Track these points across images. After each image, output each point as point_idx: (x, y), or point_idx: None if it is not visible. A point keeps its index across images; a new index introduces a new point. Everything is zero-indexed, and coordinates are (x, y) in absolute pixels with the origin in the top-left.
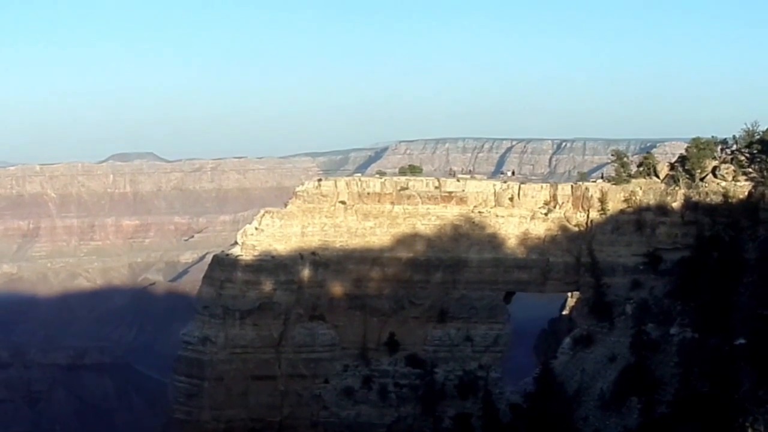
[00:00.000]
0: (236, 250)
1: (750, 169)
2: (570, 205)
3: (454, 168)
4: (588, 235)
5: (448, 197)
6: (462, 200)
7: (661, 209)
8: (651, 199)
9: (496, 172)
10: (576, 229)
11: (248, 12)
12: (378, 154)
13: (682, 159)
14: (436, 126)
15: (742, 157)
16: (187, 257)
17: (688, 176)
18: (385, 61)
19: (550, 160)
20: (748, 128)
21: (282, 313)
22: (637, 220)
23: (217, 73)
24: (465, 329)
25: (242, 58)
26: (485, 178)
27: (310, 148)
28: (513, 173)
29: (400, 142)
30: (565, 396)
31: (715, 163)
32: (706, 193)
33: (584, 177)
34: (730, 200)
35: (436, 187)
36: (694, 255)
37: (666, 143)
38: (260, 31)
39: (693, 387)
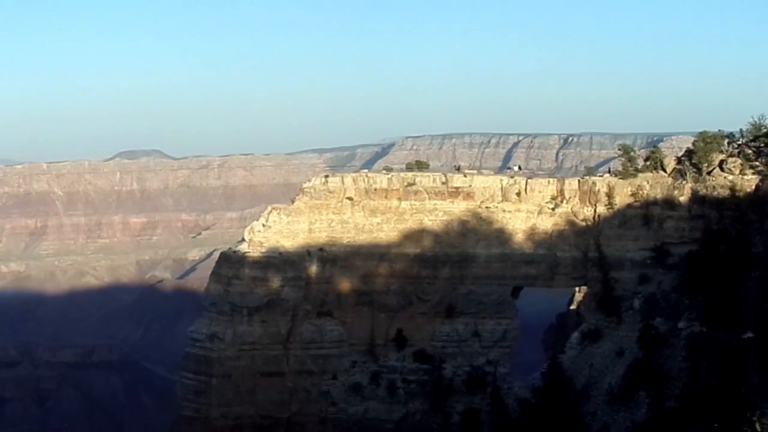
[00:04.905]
0: (243, 247)
1: (757, 163)
2: (577, 199)
3: (461, 163)
4: (595, 229)
5: (455, 193)
6: (469, 195)
7: (669, 203)
8: (658, 193)
9: (503, 168)
10: (583, 223)
11: (255, 8)
12: (385, 149)
13: (689, 153)
14: (442, 121)
15: (749, 151)
16: (195, 254)
17: (695, 170)
18: (391, 56)
19: (557, 155)
20: (755, 122)
21: (290, 310)
22: (645, 215)
23: (223, 69)
24: (473, 324)
25: (248, 55)
26: (492, 173)
27: (317, 145)
28: (520, 168)
29: (407, 137)
30: (574, 391)
31: (722, 156)
32: (714, 187)
33: (591, 171)
34: (737, 194)
35: (443, 183)
36: (701, 249)
37: (673, 137)
38: (267, 28)
39: (701, 381)
